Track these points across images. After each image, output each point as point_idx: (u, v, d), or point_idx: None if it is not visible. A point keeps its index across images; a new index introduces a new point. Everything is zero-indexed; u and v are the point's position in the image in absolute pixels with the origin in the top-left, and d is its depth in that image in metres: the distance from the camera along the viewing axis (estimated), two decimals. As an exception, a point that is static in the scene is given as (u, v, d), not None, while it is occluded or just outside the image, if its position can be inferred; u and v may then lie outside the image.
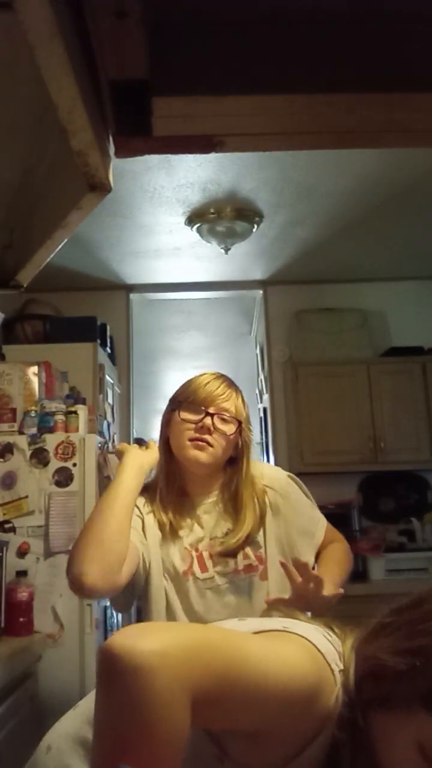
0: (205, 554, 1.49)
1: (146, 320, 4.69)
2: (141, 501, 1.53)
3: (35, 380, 3.16)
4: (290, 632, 0.85)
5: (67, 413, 3.08)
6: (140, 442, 1.66)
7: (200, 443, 1.48)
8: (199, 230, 3.44)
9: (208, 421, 1.48)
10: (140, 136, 0.85)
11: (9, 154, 0.97)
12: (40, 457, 2.97)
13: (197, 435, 1.48)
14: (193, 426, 1.49)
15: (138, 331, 4.51)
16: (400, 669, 0.72)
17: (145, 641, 0.67)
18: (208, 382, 1.55)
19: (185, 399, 1.53)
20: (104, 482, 3.12)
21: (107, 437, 3.66)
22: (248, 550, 1.48)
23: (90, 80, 0.77)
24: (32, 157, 0.98)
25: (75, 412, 3.09)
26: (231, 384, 1.59)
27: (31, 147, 0.96)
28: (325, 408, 3.80)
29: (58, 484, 2.95)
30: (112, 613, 3.35)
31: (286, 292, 4.32)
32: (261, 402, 4.76)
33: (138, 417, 4.73)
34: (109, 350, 3.99)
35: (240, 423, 1.53)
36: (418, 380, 3.96)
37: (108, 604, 3.30)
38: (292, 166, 2.90)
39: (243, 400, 1.59)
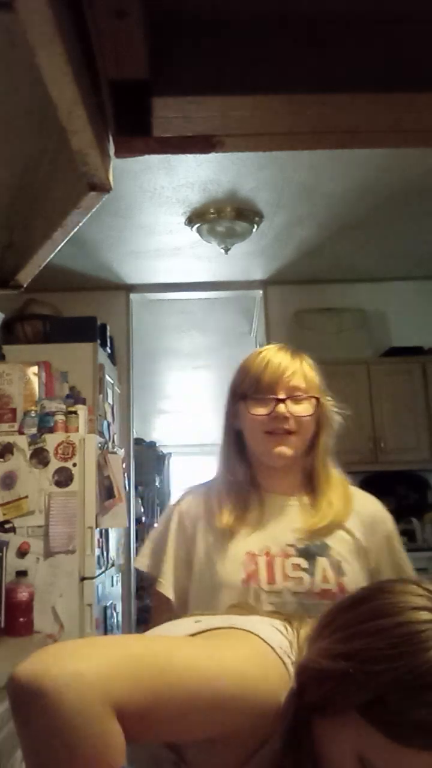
0: (278, 561, 1.25)
1: (146, 320, 4.70)
2: (189, 501, 1.37)
3: (35, 380, 3.16)
4: (236, 628, 0.80)
5: (67, 413, 3.08)
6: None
7: (279, 435, 1.28)
8: (199, 230, 3.44)
9: (281, 408, 1.27)
10: (140, 136, 0.85)
11: (9, 153, 0.97)
12: (40, 457, 2.97)
13: (273, 426, 1.28)
14: (266, 418, 1.28)
15: (138, 331, 4.51)
16: (336, 674, 0.67)
17: (55, 664, 0.63)
18: (268, 362, 1.32)
19: (249, 389, 1.31)
20: (104, 482, 3.13)
21: (107, 437, 3.66)
22: (330, 572, 1.23)
23: (90, 80, 0.77)
24: (32, 157, 0.98)
25: (75, 412, 3.09)
26: (294, 353, 1.36)
27: (31, 147, 0.96)
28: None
29: (58, 484, 2.95)
30: (112, 613, 3.35)
31: (286, 292, 4.32)
32: (261, 402, 4.76)
33: (138, 417, 4.74)
34: (109, 350, 3.99)
35: (317, 399, 1.32)
36: (418, 380, 3.97)
37: (108, 604, 3.30)
38: (292, 166, 2.90)
39: (311, 365, 1.37)
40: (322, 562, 1.24)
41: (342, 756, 0.67)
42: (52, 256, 1.10)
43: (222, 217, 3.33)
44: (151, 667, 0.68)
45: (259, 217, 3.37)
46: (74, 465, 2.97)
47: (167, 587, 1.32)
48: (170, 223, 3.43)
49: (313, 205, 3.27)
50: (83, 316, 3.78)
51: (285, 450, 1.28)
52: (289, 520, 1.29)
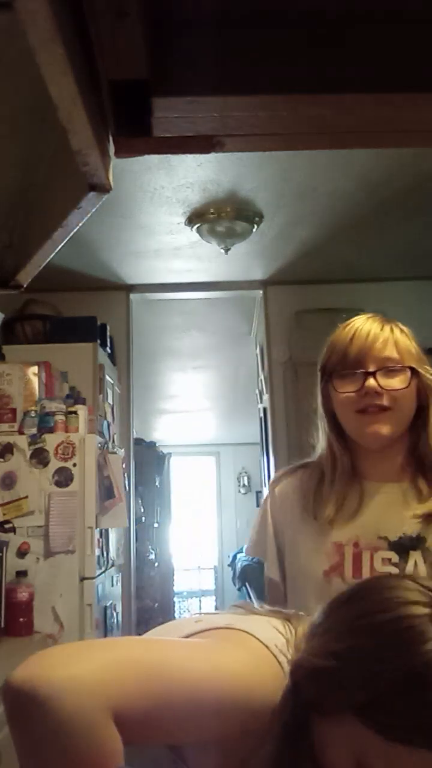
0: (366, 554, 1.14)
1: (146, 320, 4.69)
2: (285, 485, 1.28)
3: (35, 380, 3.16)
4: (233, 629, 0.79)
5: (67, 413, 3.08)
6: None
7: (373, 413, 1.15)
8: (199, 230, 3.44)
9: (371, 383, 1.14)
10: (140, 136, 0.85)
11: (9, 154, 0.97)
12: (40, 457, 2.97)
13: (365, 404, 1.14)
14: (355, 395, 1.15)
15: (138, 331, 4.51)
16: (328, 673, 0.66)
17: (51, 668, 0.62)
18: (355, 332, 1.19)
19: (335, 365, 1.19)
20: (104, 482, 3.13)
21: (107, 437, 3.66)
22: (423, 567, 1.11)
23: (90, 80, 0.77)
24: (32, 157, 0.98)
25: (75, 412, 3.09)
26: (385, 321, 1.22)
27: (31, 147, 0.96)
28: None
29: (58, 484, 2.95)
30: (112, 613, 3.35)
31: (286, 292, 4.32)
32: (261, 402, 4.77)
33: (138, 417, 4.74)
34: (109, 350, 3.99)
35: (412, 368, 1.17)
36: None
37: (108, 604, 3.30)
38: (292, 166, 2.90)
39: (406, 332, 1.23)
40: (414, 556, 1.12)
41: (340, 758, 0.66)
42: (52, 256, 1.10)
43: (222, 217, 3.33)
44: (149, 671, 0.68)
45: (259, 217, 3.37)
46: (74, 465, 2.97)
47: (273, 570, 1.26)
48: (170, 223, 3.43)
49: (314, 205, 3.27)
50: (83, 316, 3.77)
51: (379, 428, 1.15)
52: (384, 510, 1.17)
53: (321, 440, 1.26)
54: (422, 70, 0.84)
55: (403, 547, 1.13)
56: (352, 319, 1.24)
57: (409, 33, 0.85)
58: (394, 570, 1.12)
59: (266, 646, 0.76)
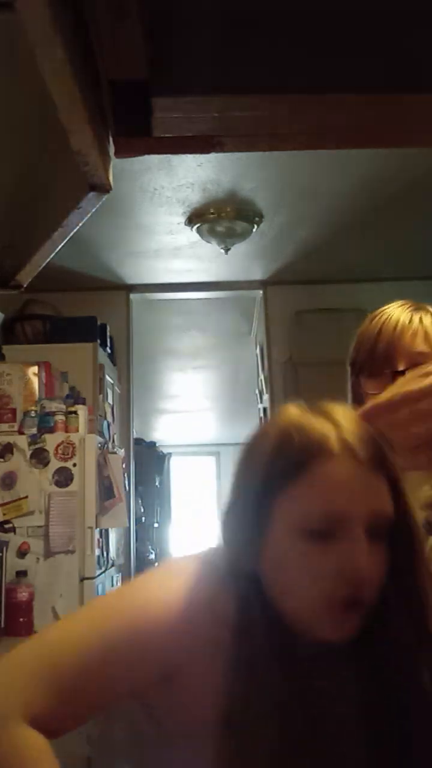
0: None
1: (146, 320, 4.69)
2: None
3: (35, 380, 3.16)
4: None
5: (67, 413, 3.08)
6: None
7: None
8: (199, 230, 3.44)
9: None
10: (140, 136, 0.85)
11: (9, 153, 0.97)
12: (40, 457, 2.97)
13: None
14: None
15: (138, 331, 4.51)
16: None
17: None
18: (383, 324, 1.08)
19: (363, 362, 1.11)
20: (104, 482, 3.13)
21: (107, 437, 3.66)
22: None
23: (90, 80, 0.77)
24: (32, 157, 0.98)
25: (75, 412, 3.09)
26: (416, 309, 1.10)
27: (31, 147, 0.96)
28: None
29: (58, 484, 2.95)
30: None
31: (286, 292, 4.31)
32: (261, 402, 4.76)
33: (138, 417, 4.74)
34: (109, 350, 3.99)
35: None
36: None
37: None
38: (292, 167, 2.89)
39: None
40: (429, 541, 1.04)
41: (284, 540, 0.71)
42: (52, 256, 1.10)
43: (222, 217, 3.32)
44: (42, 665, 0.69)
45: (259, 217, 3.37)
46: (74, 465, 2.97)
47: None
48: (170, 223, 3.43)
49: (314, 205, 3.27)
50: (83, 316, 3.77)
51: (411, 429, 1.06)
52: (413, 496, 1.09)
53: None
54: (422, 70, 0.84)
55: (428, 527, 1.04)
56: (381, 309, 1.14)
57: (409, 33, 0.85)
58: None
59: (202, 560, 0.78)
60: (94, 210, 0.96)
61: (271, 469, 0.74)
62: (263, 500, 0.74)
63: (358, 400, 1.14)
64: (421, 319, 1.08)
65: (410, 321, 1.07)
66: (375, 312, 1.14)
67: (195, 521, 9.32)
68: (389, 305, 1.13)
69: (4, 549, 2.75)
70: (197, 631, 0.72)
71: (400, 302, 1.13)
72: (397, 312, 1.10)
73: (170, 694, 0.73)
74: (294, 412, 0.78)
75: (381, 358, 1.06)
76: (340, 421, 0.75)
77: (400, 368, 1.04)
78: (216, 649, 0.71)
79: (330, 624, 0.70)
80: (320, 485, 0.71)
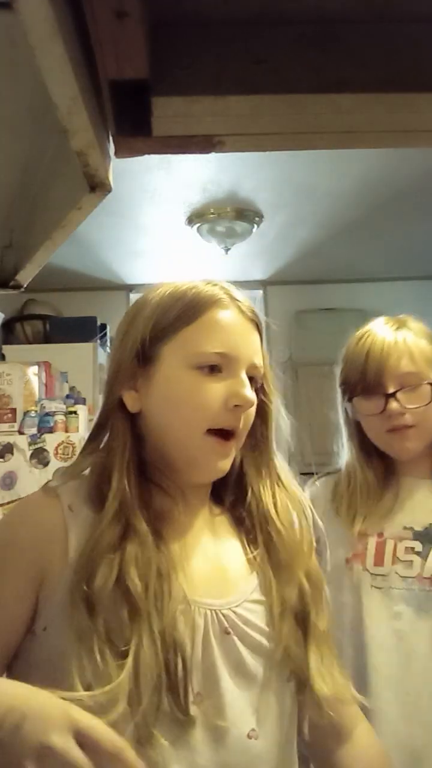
0: (390, 543, 1.15)
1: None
2: (315, 491, 1.26)
3: (35, 380, 3.16)
4: None
5: (67, 413, 3.08)
6: None
7: (398, 432, 1.14)
8: (199, 230, 3.44)
9: (393, 405, 1.12)
10: (140, 136, 0.85)
11: (9, 153, 0.97)
12: (40, 457, 2.97)
13: (391, 425, 1.13)
14: (380, 417, 1.14)
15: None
16: None
17: None
18: (369, 348, 1.16)
19: (355, 385, 1.18)
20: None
21: (107, 437, 3.66)
22: None
23: (90, 80, 0.77)
24: (32, 157, 0.98)
25: (75, 413, 3.09)
26: (397, 328, 1.19)
27: (31, 147, 0.96)
28: (325, 408, 3.80)
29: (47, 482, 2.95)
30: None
31: (286, 292, 4.32)
32: (261, 402, 4.76)
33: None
34: (109, 350, 3.99)
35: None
36: None
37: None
38: (292, 166, 2.89)
39: (419, 332, 1.21)
40: None
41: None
42: (51, 256, 1.10)
43: (222, 217, 3.32)
44: None
45: (259, 217, 3.37)
46: (74, 465, 2.97)
47: None
48: (170, 223, 3.43)
49: (314, 205, 3.27)
50: (83, 316, 3.77)
51: (407, 445, 1.15)
52: (416, 503, 1.17)
53: (345, 451, 1.28)
54: (422, 70, 0.84)
55: (429, 537, 1.13)
56: (365, 329, 1.23)
57: (409, 33, 0.85)
58: (417, 558, 1.12)
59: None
60: (94, 210, 0.96)
61: (162, 318, 0.84)
62: (152, 346, 0.83)
63: (352, 421, 1.24)
64: (405, 340, 1.16)
65: (395, 342, 1.15)
66: (360, 332, 1.22)
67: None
68: (372, 325, 1.22)
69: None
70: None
71: (382, 320, 1.23)
72: (381, 333, 1.18)
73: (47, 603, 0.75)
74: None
75: (372, 382, 1.14)
76: (227, 287, 0.87)
77: (390, 390, 1.12)
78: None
79: (209, 454, 0.81)
80: (213, 327, 0.82)
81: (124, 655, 0.68)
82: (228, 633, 0.77)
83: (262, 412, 0.88)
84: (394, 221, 3.47)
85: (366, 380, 1.15)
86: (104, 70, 0.77)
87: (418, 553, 1.13)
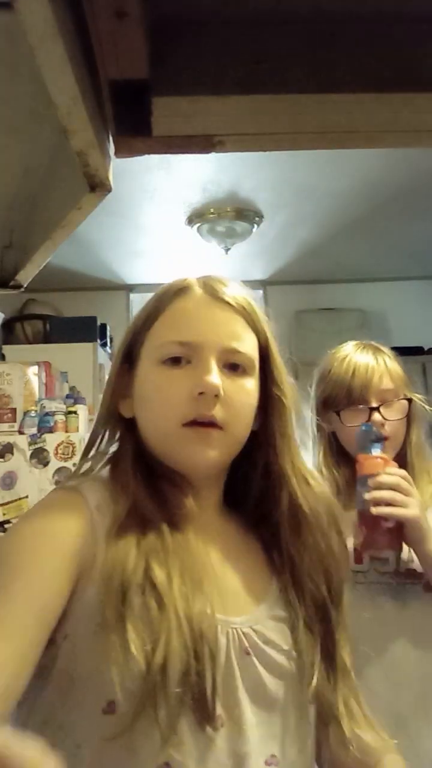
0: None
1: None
2: None
3: (35, 380, 3.15)
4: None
5: (67, 413, 3.08)
6: None
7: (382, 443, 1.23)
8: (199, 230, 3.44)
9: (377, 417, 1.25)
10: (140, 136, 0.85)
11: (9, 154, 0.97)
12: (40, 457, 2.97)
13: (374, 437, 1.22)
14: (357, 446, 1.23)
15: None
16: None
17: None
18: (355, 368, 1.29)
19: (341, 400, 1.29)
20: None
21: (107, 437, 3.66)
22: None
23: (90, 80, 0.77)
24: (32, 157, 0.98)
25: (75, 413, 3.09)
26: (375, 351, 1.33)
27: (31, 147, 0.96)
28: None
29: (58, 484, 2.95)
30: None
31: (286, 292, 4.31)
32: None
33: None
34: (109, 350, 3.99)
35: (409, 399, 1.30)
36: (418, 380, 3.96)
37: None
38: (292, 166, 2.89)
39: (392, 356, 1.34)
40: None
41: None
42: (51, 256, 1.10)
43: (222, 217, 3.32)
44: None
45: (259, 217, 3.37)
46: (74, 465, 2.97)
47: None
48: (170, 223, 3.43)
49: (314, 205, 3.27)
50: (83, 316, 3.77)
51: (389, 454, 1.23)
52: None
53: (315, 460, 1.36)
54: (422, 69, 0.84)
55: None
56: (344, 351, 1.35)
57: (409, 33, 0.85)
58: (390, 560, 1.23)
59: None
60: (94, 210, 0.96)
61: (139, 320, 0.83)
62: (134, 349, 0.82)
63: (326, 432, 1.34)
64: (384, 361, 1.31)
65: (377, 362, 1.30)
66: (339, 354, 1.34)
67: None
68: (349, 347, 1.35)
69: (4, 549, 2.75)
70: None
71: (355, 344, 1.35)
72: (363, 355, 1.31)
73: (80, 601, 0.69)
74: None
75: (358, 397, 1.27)
76: (206, 277, 0.85)
77: (374, 404, 1.26)
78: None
79: (187, 445, 0.76)
80: (175, 317, 0.80)
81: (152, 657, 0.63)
82: (248, 654, 0.71)
83: (274, 406, 0.83)
84: (394, 221, 3.47)
85: (352, 396, 1.28)
86: (104, 70, 0.77)
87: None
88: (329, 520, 0.83)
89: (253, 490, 0.85)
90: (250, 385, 0.80)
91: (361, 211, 3.33)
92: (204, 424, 0.76)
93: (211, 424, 0.76)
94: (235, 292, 0.85)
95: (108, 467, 0.82)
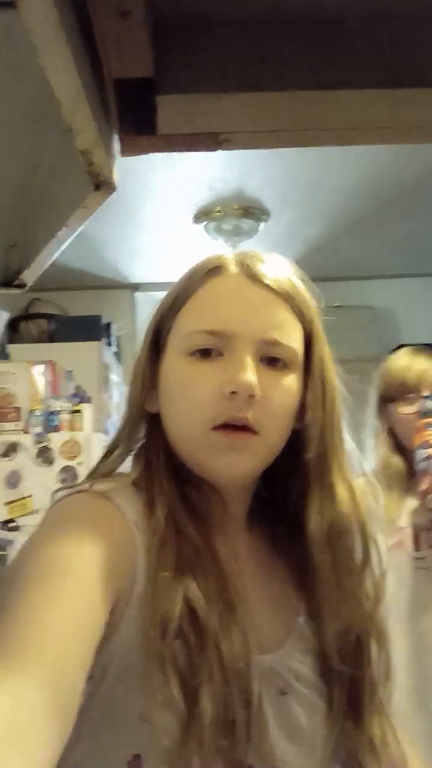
0: (423, 533, 1.43)
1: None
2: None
3: (40, 379, 3.16)
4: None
5: (73, 412, 3.08)
6: None
7: (429, 428, 1.42)
8: (205, 228, 3.44)
9: (429, 404, 1.44)
10: (145, 134, 0.85)
11: (12, 153, 0.97)
12: (45, 456, 2.97)
13: (425, 422, 1.42)
14: (415, 415, 1.45)
15: (143, 330, 4.51)
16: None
17: None
18: (410, 363, 1.53)
19: (397, 391, 1.52)
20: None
21: (113, 436, 3.66)
22: None
23: (94, 79, 0.77)
24: (36, 157, 0.97)
25: (80, 411, 3.09)
26: (427, 352, 1.58)
27: (35, 146, 0.96)
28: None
29: (64, 483, 2.95)
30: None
31: (292, 290, 4.30)
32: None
33: (143, 415, 4.74)
34: (114, 349, 3.98)
35: None
36: None
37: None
38: (298, 164, 2.88)
39: None
40: None
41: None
42: (56, 255, 1.10)
43: (228, 215, 3.32)
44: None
45: (266, 215, 3.36)
46: (79, 464, 2.97)
47: None
48: (176, 222, 3.43)
49: (320, 202, 3.26)
50: (88, 315, 3.77)
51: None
52: None
53: (377, 450, 1.55)
54: (422, 67, 0.84)
55: None
56: (400, 352, 1.61)
57: (410, 31, 0.84)
58: None
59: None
60: (98, 209, 0.95)
61: (166, 302, 0.74)
62: (160, 338, 0.73)
63: (386, 427, 1.54)
64: (429, 359, 1.55)
65: (429, 361, 1.53)
66: (395, 355, 1.62)
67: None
68: (401, 350, 1.62)
69: (9, 548, 2.75)
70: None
71: (408, 348, 1.62)
72: (415, 356, 1.56)
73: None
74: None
75: (411, 387, 1.49)
76: (240, 253, 0.74)
77: (426, 394, 1.46)
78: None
79: (213, 451, 0.66)
80: (205, 301, 0.70)
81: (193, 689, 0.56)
82: (284, 693, 0.64)
83: (318, 405, 0.71)
84: (401, 217, 3.46)
85: (406, 387, 1.50)
86: (108, 68, 0.77)
87: None
88: (367, 536, 0.72)
89: (288, 500, 0.74)
90: (291, 383, 0.69)
91: (368, 207, 3.32)
92: (236, 428, 0.66)
93: (244, 428, 0.66)
94: (278, 272, 0.74)
95: (133, 466, 0.73)
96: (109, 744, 0.58)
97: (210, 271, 0.71)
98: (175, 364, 0.70)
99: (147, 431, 0.73)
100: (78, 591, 0.53)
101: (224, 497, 0.70)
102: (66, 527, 0.61)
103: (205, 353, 0.67)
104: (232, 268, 0.71)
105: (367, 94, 0.84)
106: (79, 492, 0.66)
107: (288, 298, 0.72)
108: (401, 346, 1.71)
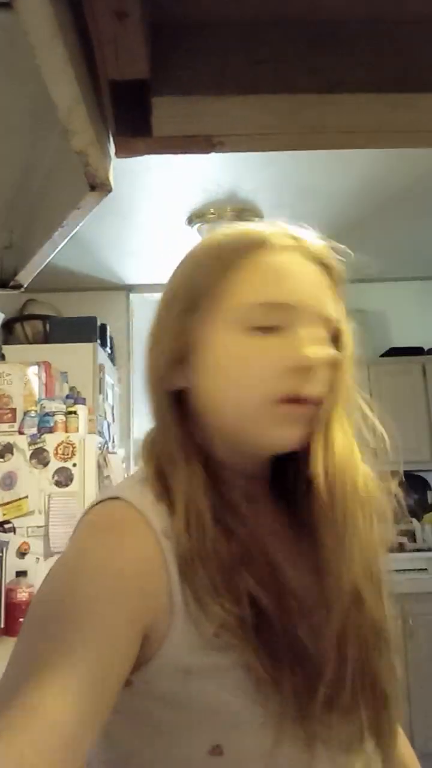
0: None
1: (146, 320, 4.68)
2: None
3: (35, 380, 3.16)
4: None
5: (67, 413, 3.08)
6: None
7: None
8: (199, 231, 3.44)
9: None
10: (140, 136, 0.85)
11: (8, 154, 0.97)
12: (40, 457, 2.97)
13: None
14: None
15: (138, 331, 4.51)
16: None
17: None
18: None
19: None
20: (104, 482, 3.13)
21: (107, 437, 3.66)
22: None
23: (90, 80, 0.77)
24: (32, 157, 0.98)
25: (75, 413, 3.09)
26: None
27: (31, 147, 0.96)
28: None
29: (58, 484, 2.95)
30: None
31: (286, 292, 4.31)
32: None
33: (138, 417, 4.73)
34: (109, 350, 3.98)
35: None
36: (418, 381, 3.96)
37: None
38: (292, 167, 2.89)
39: None
40: None
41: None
42: (52, 256, 1.10)
43: (222, 218, 3.32)
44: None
45: (260, 218, 3.37)
46: (74, 465, 2.97)
47: None
48: (170, 224, 3.43)
49: (314, 206, 3.27)
50: (83, 316, 3.77)
51: None
52: None
53: None
54: (422, 70, 0.84)
55: None
56: None
57: (409, 34, 0.85)
58: None
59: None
60: (94, 210, 0.96)
61: (205, 269, 0.70)
62: (195, 310, 0.69)
63: None
64: None
65: None
66: None
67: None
68: None
69: (4, 549, 2.75)
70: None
71: None
72: None
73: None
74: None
75: None
76: (289, 227, 0.73)
77: None
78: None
79: (277, 428, 0.65)
80: (262, 273, 0.67)
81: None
82: None
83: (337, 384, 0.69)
84: (394, 221, 3.47)
85: None
86: (104, 70, 0.77)
87: None
88: (373, 504, 0.70)
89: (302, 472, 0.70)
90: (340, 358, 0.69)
91: (361, 211, 3.33)
92: (300, 400, 0.65)
93: (306, 399, 0.65)
94: (329, 252, 0.74)
95: (144, 461, 0.71)
96: (184, 737, 0.60)
97: (259, 243, 0.69)
98: (228, 338, 0.66)
99: (163, 412, 0.70)
100: (102, 619, 0.54)
101: (250, 475, 0.70)
102: (88, 547, 0.62)
103: (266, 329, 0.65)
104: (287, 240, 0.70)
105: (365, 97, 0.85)
106: (107, 500, 0.66)
107: (338, 279, 0.73)
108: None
